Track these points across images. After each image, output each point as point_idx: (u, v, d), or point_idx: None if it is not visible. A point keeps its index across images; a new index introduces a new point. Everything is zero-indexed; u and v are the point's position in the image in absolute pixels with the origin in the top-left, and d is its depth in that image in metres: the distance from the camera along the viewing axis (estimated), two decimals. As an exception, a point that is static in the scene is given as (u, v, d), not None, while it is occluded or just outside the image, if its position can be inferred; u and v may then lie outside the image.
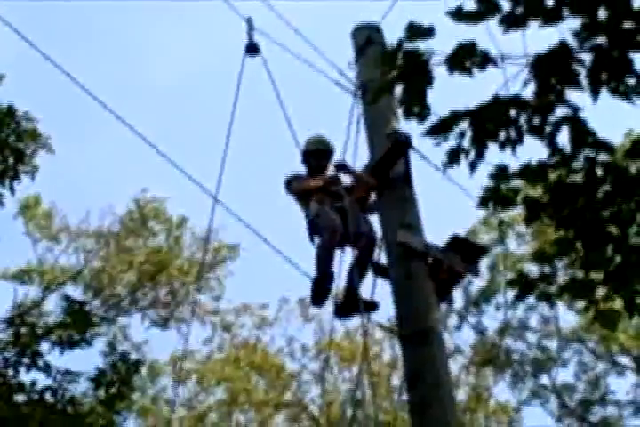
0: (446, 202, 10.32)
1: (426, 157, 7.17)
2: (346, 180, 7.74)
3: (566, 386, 19.91)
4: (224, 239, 20.30)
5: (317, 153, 8.01)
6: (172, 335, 19.97)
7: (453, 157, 3.92)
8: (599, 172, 4.01)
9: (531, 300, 4.55)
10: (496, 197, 4.20)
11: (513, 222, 19.12)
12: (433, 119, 3.92)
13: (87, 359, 9.54)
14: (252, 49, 8.14)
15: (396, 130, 7.13)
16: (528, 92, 3.79)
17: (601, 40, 3.66)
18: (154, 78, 30.18)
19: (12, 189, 9.20)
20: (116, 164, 27.64)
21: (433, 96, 3.92)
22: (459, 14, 3.76)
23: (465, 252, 6.81)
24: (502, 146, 3.86)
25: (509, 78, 3.81)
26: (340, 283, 7.22)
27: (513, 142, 3.85)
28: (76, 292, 18.46)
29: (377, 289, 7.09)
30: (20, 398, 8.61)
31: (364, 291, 7.12)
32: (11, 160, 9.20)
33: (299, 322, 20.96)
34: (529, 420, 20.40)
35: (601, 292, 4.35)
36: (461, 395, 19.12)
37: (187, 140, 26.36)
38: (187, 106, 28.53)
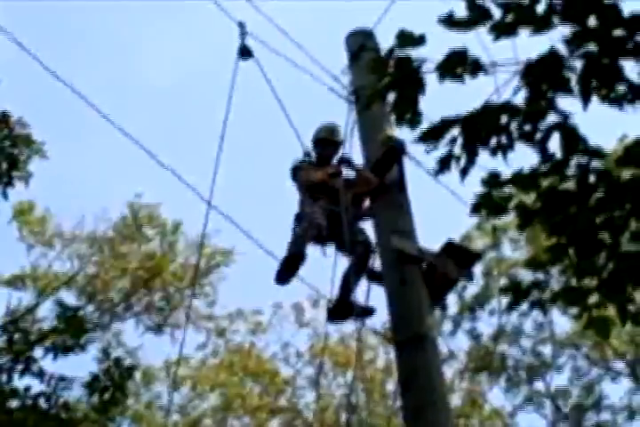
0: (440, 208, 10.33)
1: (420, 163, 7.20)
2: (348, 174, 7.79)
3: (561, 391, 19.91)
4: (218, 244, 20.32)
5: (325, 142, 8.07)
6: (167, 341, 19.93)
7: (445, 163, 3.92)
8: (591, 178, 4.02)
9: (524, 306, 4.55)
10: (488, 204, 4.20)
11: (507, 228, 19.14)
12: (425, 126, 3.93)
13: (81, 365, 9.54)
14: (245, 53, 8.17)
15: (390, 136, 7.15)
16: (519, 99, 3.81)
17: (591, 47, 3.67)
18: (147, 80, 30.16)
19: (5, 195, 9.19)
20: (109, 168, 27.63)
21: (425, 103, 3.93)
22: (450, 22, 3.77)
23: (459, 257, 6.82)
24: (493, 152, 3.87)
25: (500, 85, 3.83)
26: (334, 288, 7.23)
27: (504, 149, 3.86)
28: (70, 297, 18.44)
29: (371, 295, 7.11)
30: (13, 403, 8.60)
31: (360, 297, 7.14)
32: (4, 166, 9.20)
33: (293, 327, 20.97)
34: (523, 425, 20.46)
35: (594, 299, 4.35)
36: (456, 400, 19.11)
37: (181, 142, 26.35)
38: (180, 108, 28.52)
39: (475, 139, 3.85)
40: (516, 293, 4.43)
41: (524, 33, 3.73)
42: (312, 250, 7.45)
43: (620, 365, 19.69)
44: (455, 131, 3.87)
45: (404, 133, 6.79)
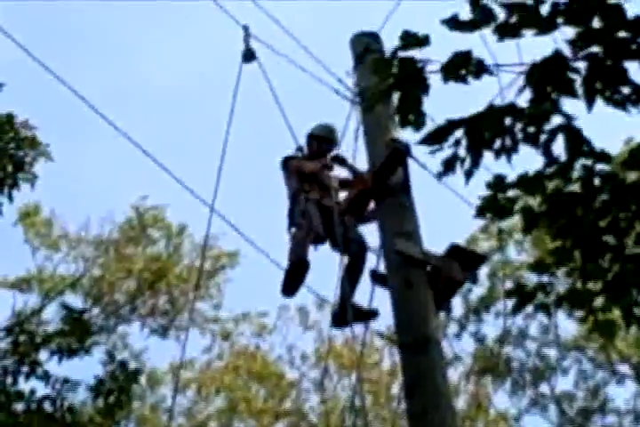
0: (445, 210, 10.31)
1: (425, 166, 7.18)
2: (341, 174, 7.81)
3: (566, 394, 19.87)
4: (224, 246, 20.32)
5: (321, 139, 8.09)
6: (172, 344, 19.93)
7: (449, 165, 3.91)
8: (596, 181, 4.01)
9: (530, 309, 4.54)
10: (494, 206, 4.19)
11: (512, 230, 19.12)
12: (429, 127, 3.92)
13: (86, 368, 9.54)
14: (249, 56, 8.17)
15: (394, 138, 7.13)
16: (523, 101, 3.80)
17: (596, 49, 3.66)
18: (150, 82, 30.17)
19: (10, 197, 9.19)
20: (115, 171, 27.59)
21: (429, 104, 3.92)
22: (454, 23, 3.76)
23: (464, 260, 6.80)
24: (497, 154, 3.86)
25: (504, 87, 3.82)
26: (335, 292, 7.22)
27: (508, 151, 3.85)
28: (75, 300, 18.44)
29: (376, 298, 7.09)
30: (18, 406, 8.60)
31: (364, 300, 7.13)
32: (10, 168, 9.20)
33: (298, 330, 20.95)
34: (529, 428, 20.36)
35: (599, 302, 4.34)
36: (461, 403, 19.09)
37: (185, 145, 26.35)
38: (184, 111, 28.52)
39: (479, 141, 3.85)
40: (522, 295, 4.42)
41: (528, 34, 3.73)
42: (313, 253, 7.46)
43: (625, 368, 19.66)
44: (459, 133, 3.86)
45: (408, 135, 6.79)
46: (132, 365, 9.58)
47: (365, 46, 7.60)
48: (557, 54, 3.68)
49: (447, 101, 4.77)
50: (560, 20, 3.67)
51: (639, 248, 4.14)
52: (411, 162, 7.09)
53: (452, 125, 3.84)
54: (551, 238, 4.27)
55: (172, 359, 20.04)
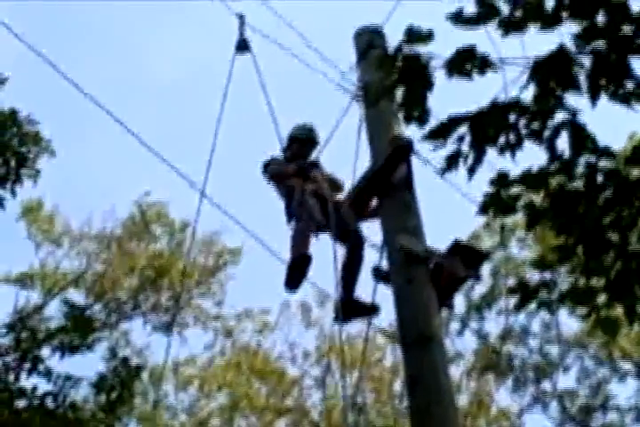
0: (448, 207, 10.30)
1: (427, 162, 7.17)
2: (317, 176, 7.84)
3: (568, 392, 19.86)
4: (227, 243, 20.32)
5: (305, 141, 8.06)
6: (175, 341, 19.90)
7: (452, 161, 3.90)
8: (600, 178, 4.00)
9: (532, 306, 4.53)
10: (496, 203, 4.18)
11: (515, 227, 19.10)
12: (433, 123, 3.91)
13: (88, 365, 9.53)
14: (243, 46, 8.12)
15: (397, 134, 7.12)
16: (527, 97, 3.79)
17: (600, 44, 3.65)
18: (153, 75, 30.14)
19: (13, 193, 9.18)
20: (118, 166, 27.63)
21: (433, 100, 3.91)
22: (458, 18, 3.75)
23: (466, 257, 6.79)
24: (501, 151, 3.85)
25: (509, 82, 3.80)
26: (336, 287, 7.20)
27: (512, 147, 3.84)
28: (77, 296, 18.44)
29: (378, 294, 7.08)
30: (20, 403, 8.59)
31: (366, 296, 7.12)
32: (13, 163, 9.19)
33: (300, 327, 20.95)
34: (530, 426, 20.37)
35: (602, 299, 4.33)
36: (463, 401, 19.08)
37: (190, 140, 26.30)
38: (186, 104, 28.49)
39: (483, 137, 3.83)
40: (524, 292, 4.41)
41: (532, 30, 3.72)
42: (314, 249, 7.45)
43: (627, 365, 19.65)
44: (463, 129, 3.85)
45: (411, 131, 6.78)
46: (135, 361, 9.57)
47: (369, 42, 7.59)
48: (562, 50, 3.67)
49: (451, 97, 4.75)
50: (564, 16, 3.66)
51: (643, 245, 4.13)
52: (413, 158, 7.09)
53: (455, 121, 3.82)
54: (554, 235, 4.25)
55: (174, 356, 20.05)
